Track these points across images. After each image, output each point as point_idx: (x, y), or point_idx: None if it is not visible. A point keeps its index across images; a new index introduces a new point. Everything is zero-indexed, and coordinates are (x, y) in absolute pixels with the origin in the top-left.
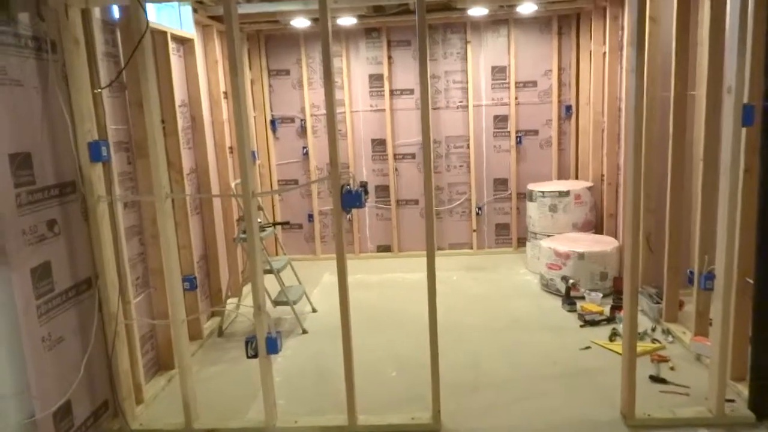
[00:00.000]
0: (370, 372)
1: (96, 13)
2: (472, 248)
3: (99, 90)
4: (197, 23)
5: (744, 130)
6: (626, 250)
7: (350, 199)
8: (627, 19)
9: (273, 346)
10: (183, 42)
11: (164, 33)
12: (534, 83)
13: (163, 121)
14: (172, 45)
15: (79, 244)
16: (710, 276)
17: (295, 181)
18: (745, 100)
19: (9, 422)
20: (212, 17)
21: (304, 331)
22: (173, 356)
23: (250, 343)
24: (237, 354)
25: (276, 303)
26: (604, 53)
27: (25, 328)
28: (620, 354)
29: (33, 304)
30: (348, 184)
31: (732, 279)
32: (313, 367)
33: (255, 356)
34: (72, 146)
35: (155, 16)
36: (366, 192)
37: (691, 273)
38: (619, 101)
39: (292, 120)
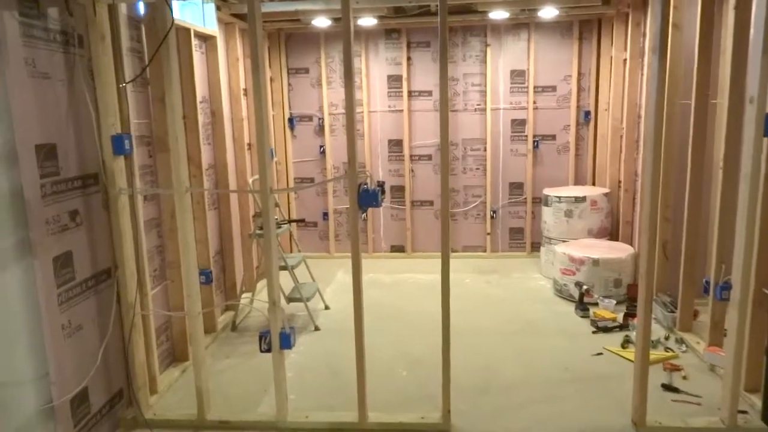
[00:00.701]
0: (381, 370)
1: (122, 9)
2: (485, 251)
3: (124, 84)
4: (220, 21)
5: (765, 139)
6: (642, 258)
7: (367, 198)
8: (649, 25)
9: (286, 342)
10: (206, 39)
11: (188, 30)
12: (553, 88)
13: (184, 117)
14: (195, 42)
15: (100, 235)
16: (726, 286)
17: (312, 180)
18: None
19: (27, 408)
20: (235, 15)
21: (317, 328)
22: (187, 348)
23: (264, 337)
24: (250, 348)
25: (289, 299)
26: (625, 59)
27: (45, 315)
28: (632, 361)
29: (54, 292)
30: (365, 183)
31: (749, 289)
32: (325, 364)
33: (268, 351)
34: (96, 139)
35: (179, 13)
36: (383, 191)
37: (707, 282)
38: (638, 108)
39: (310, 118)
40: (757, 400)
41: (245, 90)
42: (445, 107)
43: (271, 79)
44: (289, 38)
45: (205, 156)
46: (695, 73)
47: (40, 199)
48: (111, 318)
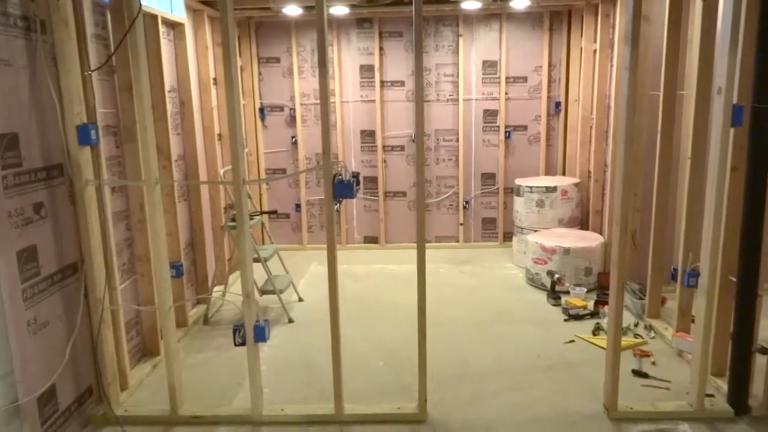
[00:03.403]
0: (357, 362)
1: None
2: (458, 241)
3: (89, 72)
4: (188, 8)
5: (732, 130)
6: (614, 247)
7: (342, 189)
8: (619, 16)
9: (261, 335)
10: (173, 26)
11: (155, 16)
12: (524, 78)
13: (152, 106)
14: (162, 29)
15: (66, 228)
16: (693, 273)
17: (283, 170)
18: (735, 100)
19: None
20: (203, 2)
21: (291, 321)
22: (158, 343)
23: (237, 330)
24: (222, 342)
25: (263, 292)
26: (595, 50)
27: (10, 311)
28: (603, 348)
29: (18, 288)
30: (340, 174)
31: (716, 276)
32: (300, 357)
33: (243, 344)
34: (60, 129)
35: None
36: (358, 182)
37: (675, 270)
38: (607, 99)
39: (282, 108)
40: (723, 384)
41: (215, 79)
42: (420, 98)
43: (242, 69)
44: (260, 27)
45: (175, 146)
46: (663, 64)
47: (2, 191)
48: (79, 313)
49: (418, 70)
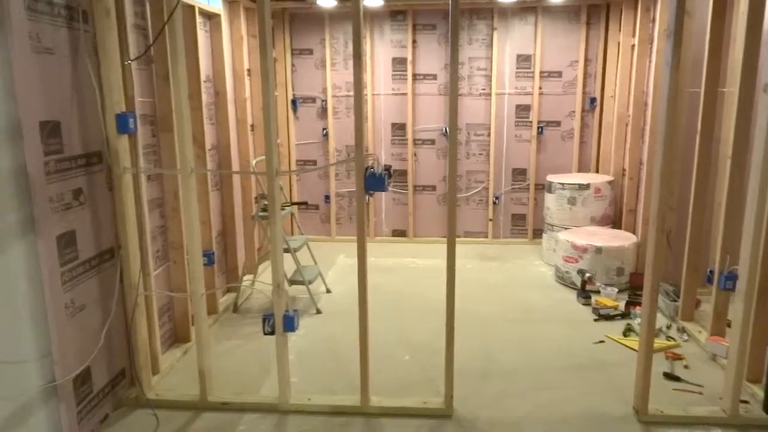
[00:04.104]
0: (383, 355)
1: None
2: (487, 237)
3: (128, 62)
4: None
5: None
6: (649, 247)
7: (374, 182)
8: (660, 11)
9: (290, 324)
10: (210, 17)
11: (192, 7)
12: (559, 73)
13: (188, 96)
14: (199, 20)
15: (103, 214)
16: (731, 276)
17: (314, 162)
18: None
19: (30, 386)
20: None
21: (318, 311)
22: (189, 329)
23: (267, 320)
24: (251, 330)
25: (291, 282)
26: (633, 45)
27: (49, 294)
28: (634, 350)
29: (57, 271)
30: (372, 167)
31: (755, 280)
32: (327, 347)
33: (272, 333)
34: (100, 117)
35: None
36: (390, 176)
37: (711, 272)
38: (645, 96)
39: (314, 100)
40: (759, 391)
41: (249, 70)
42: (455, 91)
43: (275, 60)
44: (294, 18)
45: (209, 136)
46: (705, 60)
47: (43, 176)
48: (114, 298)
49: (453, 64)
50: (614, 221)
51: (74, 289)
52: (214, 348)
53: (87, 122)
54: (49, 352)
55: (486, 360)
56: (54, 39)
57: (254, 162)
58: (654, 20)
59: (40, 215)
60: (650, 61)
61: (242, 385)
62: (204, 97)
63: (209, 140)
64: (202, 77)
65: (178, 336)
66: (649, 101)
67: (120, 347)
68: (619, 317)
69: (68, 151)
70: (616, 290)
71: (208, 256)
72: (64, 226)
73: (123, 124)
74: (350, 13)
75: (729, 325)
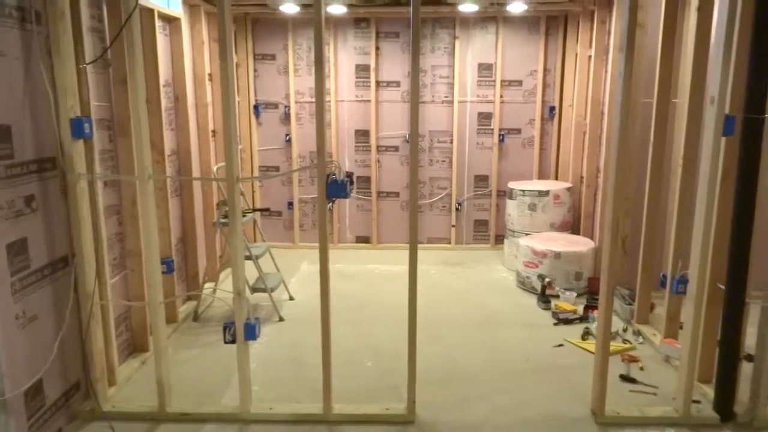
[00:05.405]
0: (346, 362)
1: None
2: (450, 243)
3: (84, 65)
4: (184, 2)
5: (723, 139)
6: (604, 252)
7: (336, 188)
8: (615, 23)
9: (252, 333)
10: (170, 21)
11: (151, 10)
12: (519, 82)
13: (147, 101)
14: (158, 23)
15: (57, 221)
16: (683, 280)
17: (277, 168)
18: (727, 110)
19: None
20: None
21: (281, 319)
22: (147, 339)
23: (228, 328)
24: (212, 339)
25: (254, 289)
26: (590, 56)
27: None
28: (592, 352)
29: (8, 281)
30: (334, 174)
31: (705, 284)
32: (289, 355)
33: (233, 342)
34: (53, 121)
35: None
36: (352, 182)
37: (664, 276)
38: (602, 105)
39: (276, 106)
40: (710, 391)
41: (210, 75)
42: (416, 99)
43: (237, 65)
44: (256, 23)
45: (168, 142)
46: (657, 72)
47: None
48: (68, 308)
49: (415, 72)
50: (573, 227)
51: (25, 299)
52: (173, 357)
53: (40, 127)
54: None
55: (449, 365)
56: (4, 40)
57: (215, 168)
58: (609, 32)
59: None
60: (606, 72)
61: (203, 395)
62: (163, 101)
63: (169, 146)
64: (162, 82)
65: (136, 346)
66: (606, 110)
67: (74, 358)
68: (577, 321)
69: (19, 156)
70: (575, 294)
71: (168, 264)
72: (15, 233)
73: (78, 128)
74: (313, 20)
75: (682, 328)
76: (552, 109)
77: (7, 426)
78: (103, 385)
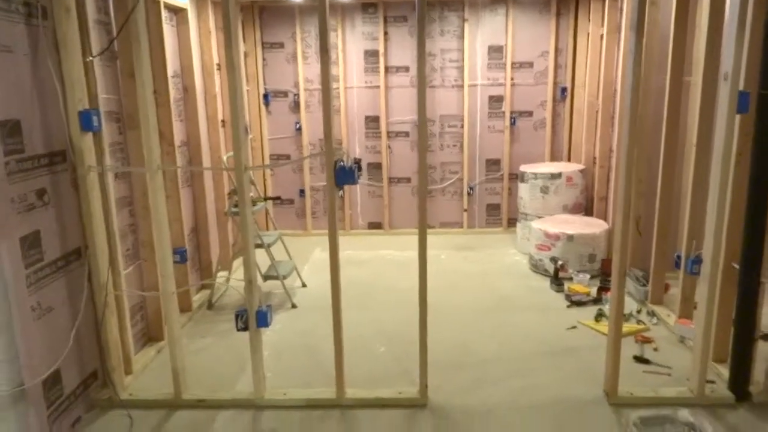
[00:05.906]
0: (359, 347)
1: None
2: (462, 227)
3: (90, 58)
4: None
5: (738, 116)
6: (616, 233)
7: (344, 175)
8: (627, 1)
9: (263, 320)
10: (176, 11)
11: (157, 1)
12: (530, 64)
13: (155, 92)
14: (164, 14)
15: (69, 214)
16: (697, 260)
17: (287, 156)
18: (741, 87)
19: None
20: None
21: (294, 306)
22: (162, 328)
23: (240, 316)
24: (226, 327)
25: (266, 277)
26: (602, 35)
27: (14, 297)
28: (605, 334)
29: (22, 274)
30: (342, 161)
31: (719, 264)
32: (302, 342)
33: (245, 329)
34: (62, 115)
35: None
36: (360, 169)
37: (678, 257)
38: (614, 84)
39: (285, 94)
40: (724, 371)
41: (218, 65)
42: (423, 83)
43: (245, 54)
44: (264, 11)
45: (178, 133)
46: (670, 50)
47: (4, 176)
48: (83, 299)
49: (421, 56)
50: (586, 209)
51: (40, 291)
52: (188, 346)
53: (49, 121)
54: (16, 356)
55: (461, 349)
56: (11, 36)
57: (225, 157)
58: (621, 10)
59: (2, 217)
60: (618, 51)
61: (217, 382)
62: (172, 92)
63: (178, 136)
64: (170, 73)
65: (151, 335)
66: (618, 90)
67: (91, 348)
68: (591, 303)
69: (30, 150)
70: (588, 277)
71: (181, 253)
72: (28, 227)
73: (86, 121)
74: (317, 8)
75: (696, 308)
76: (564, 90)
77: (27, 415)
78: (120, 373)
